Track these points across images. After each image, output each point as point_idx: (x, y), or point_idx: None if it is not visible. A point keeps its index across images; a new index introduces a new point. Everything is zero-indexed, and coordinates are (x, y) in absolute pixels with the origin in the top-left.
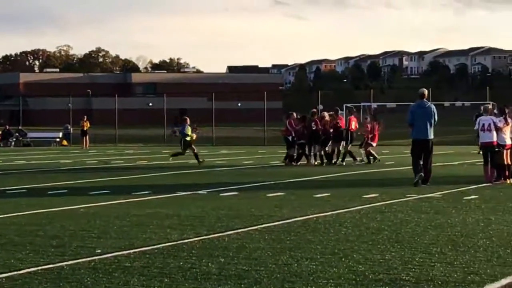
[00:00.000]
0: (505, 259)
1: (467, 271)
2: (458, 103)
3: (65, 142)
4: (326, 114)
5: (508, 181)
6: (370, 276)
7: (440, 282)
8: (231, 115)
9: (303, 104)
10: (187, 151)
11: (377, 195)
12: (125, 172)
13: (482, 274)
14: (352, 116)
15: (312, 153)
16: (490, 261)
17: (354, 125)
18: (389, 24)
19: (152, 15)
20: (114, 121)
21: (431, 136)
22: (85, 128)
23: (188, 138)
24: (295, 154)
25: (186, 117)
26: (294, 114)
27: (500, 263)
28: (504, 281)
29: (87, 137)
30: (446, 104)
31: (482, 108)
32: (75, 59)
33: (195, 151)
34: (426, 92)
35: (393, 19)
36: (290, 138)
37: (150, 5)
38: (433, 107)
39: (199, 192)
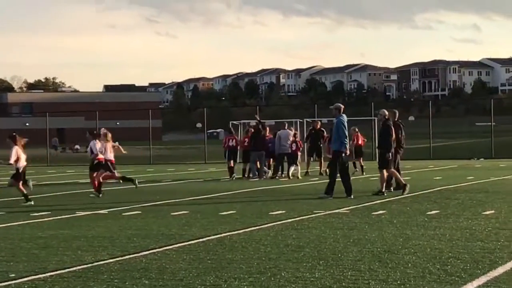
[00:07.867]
0: (438, 275)
1: None
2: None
3: None
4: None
5: None
6: None
7: None
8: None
9: (182, 123)
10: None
11: (284, 211)
12: (17, 192)
13: None
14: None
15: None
16: (424, 277)
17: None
18: (264, 42)
19: (25, 35)
20: None
21: None
22: None
23: None
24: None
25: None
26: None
27: (435, 279)
28: None
29: None
30: (324, 120)
31: None
32: None
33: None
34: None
35: (268, 37)
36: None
37: (21, 25)
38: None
39: (100, 211)
